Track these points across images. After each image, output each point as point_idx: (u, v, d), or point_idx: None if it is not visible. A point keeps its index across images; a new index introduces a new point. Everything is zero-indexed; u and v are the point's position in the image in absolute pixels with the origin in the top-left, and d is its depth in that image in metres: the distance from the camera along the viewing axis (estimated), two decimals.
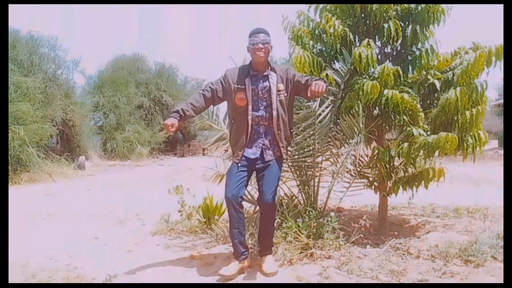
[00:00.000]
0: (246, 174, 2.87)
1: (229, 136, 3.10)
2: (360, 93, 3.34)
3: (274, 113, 2.82)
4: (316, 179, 3.76)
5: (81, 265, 3.14)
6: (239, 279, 2.80)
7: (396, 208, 4.93)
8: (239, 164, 2.86)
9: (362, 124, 3.36)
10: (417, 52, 3.61)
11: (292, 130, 3.03)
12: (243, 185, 2.85)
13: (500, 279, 2.63)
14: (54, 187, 8.06)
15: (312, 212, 3.39)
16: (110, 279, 2.74)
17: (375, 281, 2.68)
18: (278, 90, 2.84)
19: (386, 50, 3.84)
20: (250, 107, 2.82)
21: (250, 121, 2.83)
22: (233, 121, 2.94)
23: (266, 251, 2.97)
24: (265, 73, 2.86)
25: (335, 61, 3.81)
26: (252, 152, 2.88)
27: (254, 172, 2.96)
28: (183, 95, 17.71)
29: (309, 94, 2.72)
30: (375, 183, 3.84)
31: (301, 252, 3.13)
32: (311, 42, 3.81)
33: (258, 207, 3.37)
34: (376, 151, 3.59)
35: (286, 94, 2.87)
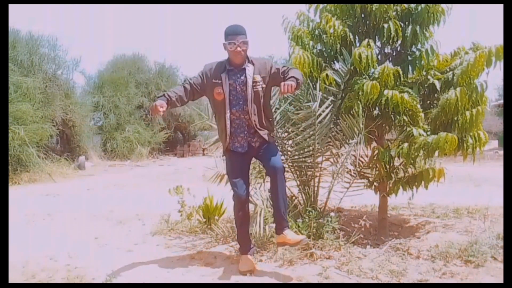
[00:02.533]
0: (243, 169, 2.94)
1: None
2: (360, 93, 3.34)
3: (249, 105, 2.84)
4: (316, 179, 3.76)
5: (81, 265, 3.13)
6: (240, 279, 2.80)
7: (396, 208, 4.93)
8: (232, 161, 2.95)
9: (362, 124, 3.36)
10: (417, 53, 3.61)
11: (270, 119, 3.03)
12: (246, 181, 2.92)
13: (500, 279, 2.63)
14: (54, 187, 8.05)
15: (312, 212, 3.39)
16: (110, 279, 2.74)
17: (375, 281, 2.68)
18: (254, 81, 2.83)
19: (386, 51, 3.84)
20: (227, 101, 2.85)
21: (228, 115, 2.86)
22: (215, 116, 3.03)
23: (282, 224, 2.87)
24: (242, 67, 2.86)
25: (335, 61, 3.81)
26: (239, 146, 2.94)
27: (251, 169, 3.05)
28: None
29: (279, 93, 2.78)
30: (375, 183, 3.84)
31: (301, 252, 3.13)
32: (311, 43, 3.81)
33: (257, 207, 3.39)
34: (376, 151, 3.60)
35: (264, 86, 2.87)
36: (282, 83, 2.68)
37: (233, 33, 2.79)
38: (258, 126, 2.88)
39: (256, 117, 2.87)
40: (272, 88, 3.18)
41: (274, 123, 3.68)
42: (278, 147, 3.76)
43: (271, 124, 3.06)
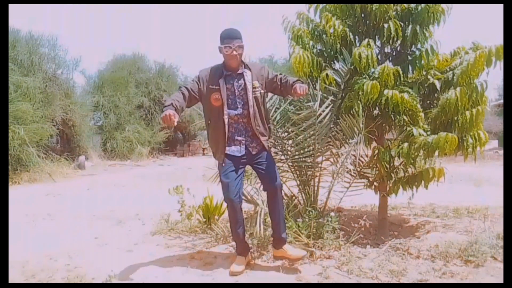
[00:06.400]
0: (237, 172, 2.89)
1: (207, 137, 3.11)
2: (360, 93, 3.34)
3: (251, 110, 2.85)
4: (316, 179, 3.76)
5: (81, 265, 3.14)
6: (240, 279, 2.80)
7: (396, 208, 4.93)
8: (227, 164, 2.88)
9: (362, 124, 3.36)
10: (417, 52, 3.61)
11: (269, 124, 3.07)
12: (239, 184, 2.88)
13: (500, 279, 2.63)
14: (54, 187, 8.05)
15: (312, 212, 3.39)
16: (110, 279, 2.74)
17: (375, 281, 2.68)
18: (254, 87, 2.86)
19: (386, 50, 3.84)
20: (225, 106, 2.84)
21: (226, 120, 2.84)
22: (209, 122, 2.94)
23: (282, 240, 2.95)
24: (239, 72, 2.87)
25: (335, 61, 3.81)
26: (236, 150, 2.91)
27: (247, 170, 3.05)
28: None
29: (294, 97, 2.94)
30: (375, 183, 3.83)
31: None
32: (311, 42, 3.82)
33: (257, 207, 3.38)
34: (376, 151, 3.60)
35: (263, 91, 2.93)
36: (298, 85, 2.77)
37: (229, 37, 2.79)
38: (261, 130, 2.91)
39: (257, 122, 2.90)
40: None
41: (274, 123, 3.70)
42: (278, 147, 3.78)
43: (269, 130, 3.09)
